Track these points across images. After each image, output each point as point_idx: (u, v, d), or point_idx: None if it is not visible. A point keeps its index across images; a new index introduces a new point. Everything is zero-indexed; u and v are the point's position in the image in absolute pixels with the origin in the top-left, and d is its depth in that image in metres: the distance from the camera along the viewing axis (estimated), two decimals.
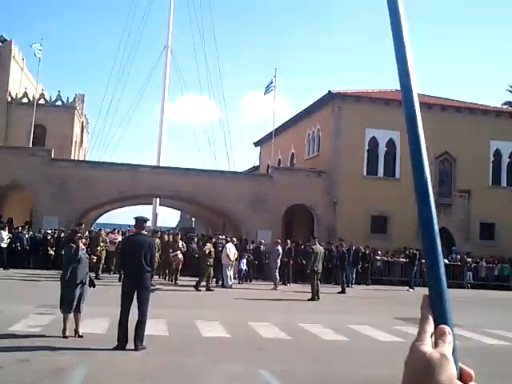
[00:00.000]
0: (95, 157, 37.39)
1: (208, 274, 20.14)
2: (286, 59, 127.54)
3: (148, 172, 30.61)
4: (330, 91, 32.32)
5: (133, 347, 9.09)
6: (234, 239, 23.22)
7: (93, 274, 11.00)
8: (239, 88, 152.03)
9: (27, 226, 26.42)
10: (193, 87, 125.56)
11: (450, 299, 0.90)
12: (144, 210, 41.61)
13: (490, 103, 37.74)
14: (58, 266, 18.01)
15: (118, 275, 19.89)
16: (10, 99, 33.77)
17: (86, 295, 10.18)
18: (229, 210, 30.69)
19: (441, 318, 0.90)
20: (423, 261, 1.06)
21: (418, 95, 1.00)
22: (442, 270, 0.93)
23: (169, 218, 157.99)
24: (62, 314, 9.96)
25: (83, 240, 10.63)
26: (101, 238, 21.76)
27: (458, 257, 29.47)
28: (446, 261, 26.93)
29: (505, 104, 47.72)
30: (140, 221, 9.98)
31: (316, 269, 18.75)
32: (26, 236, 25.06)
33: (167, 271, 22.60)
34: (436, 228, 0.95)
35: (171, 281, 21.80)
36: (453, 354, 0.87)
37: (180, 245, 22.44)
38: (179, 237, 23.84)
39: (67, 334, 9.81)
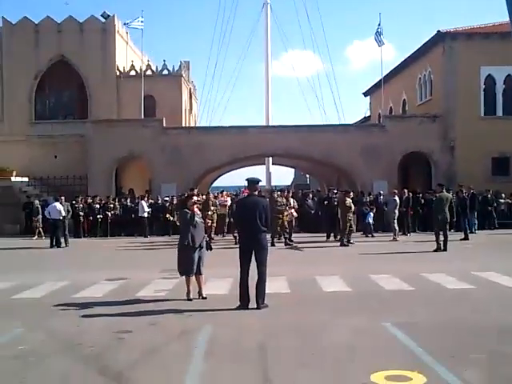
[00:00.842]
0: (205, 122, 38.19)
1: (349, 227, 20.06)
2: (385, 3, 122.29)
3: (258, 132, 30.75)
4: (439, 31, 30.67)
5: (255, 306, 9.18)
6: (351, 193, 22.64)
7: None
8: (342, 38, 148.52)
9: (147, 195, 27.44)
10: (295, 42, 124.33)
11: None
12: (258, 171, 41.97)
13: None
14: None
15: (231, 237, 20.24)
16: (118, 73, 34.85)
17: (205, 258, 10.38)
18: (342, 163, 30.27)
19: None
20: None
21: None
22: None
23: (283, 176, 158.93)
24: (184, 278, 10.23)
25: (197, 204, 10.76)
26: (210, 202, 21.87)
27: None
28: None
29: None
30: (252, 182, 9.96)
31: (440, 217, 17.41)
32: (147, 204, 26.01)
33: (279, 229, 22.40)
34: None
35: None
36: None
37: (292, 203, 22.14)
38: (290, 194, 23.57)
39: (191, 296, 10.08)
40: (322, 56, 68.85)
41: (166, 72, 36.72)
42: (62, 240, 21.58)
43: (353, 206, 20.57)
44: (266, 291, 9.44)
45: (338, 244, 19.86)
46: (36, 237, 24.81)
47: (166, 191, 27.31)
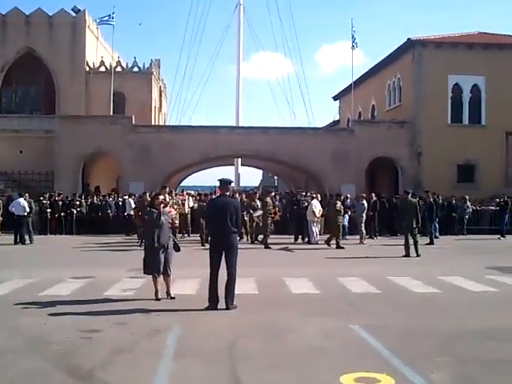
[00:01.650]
0: (175, 121, 38.04)
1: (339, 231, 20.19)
2: (353, 10, 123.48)
3: (228, 133, 30.78)
4: (409, 38, 31.19)
5: (224, 307, 9.18)
6: (319, 196, 22.92)
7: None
8: (312, 42, 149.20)
9: (114, 193, 27.18)
10: (266, 44, 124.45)
11: None
12: (226, 171, 42.00)
13: None
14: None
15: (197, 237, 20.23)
16: (87, 69, 34.48)
17: (173, 258, 10.31)
18: (311, 166, 30.47)
19: None
20: None
21: None
22: None
23: (251, 177, 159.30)
24: (151, 278, 10.17)
25: (164, 204, 10.64)
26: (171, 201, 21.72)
27: None
28: None
29: None
30: (224, 183, 9.94)
31: (406, 223, 17.58)
32: (113, 202, 25.73)
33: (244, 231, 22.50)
34: None
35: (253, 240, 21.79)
36: None
37: (257, 204, 22.25)
38: (257, 196, 23.68)
39: (159, 296, 10.02)
40: (293, 59, 69.32)
41: (136, 69, 36.52)
42: (27, 237, 21.22)
43: (342, 209, 20.77)
44: (235, 292, 9.44)
45: (334, 247, 19.75)
46: None
47: (134, 189, 27.11)
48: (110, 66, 34.61)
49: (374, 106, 38.16)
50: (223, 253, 9.39)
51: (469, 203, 26.37)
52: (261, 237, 20.87)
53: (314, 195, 22.74)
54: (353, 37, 34.00)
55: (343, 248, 19.57)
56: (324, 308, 9.58)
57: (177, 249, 10.45)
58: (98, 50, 36.80)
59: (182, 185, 45.89)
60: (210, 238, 10.12)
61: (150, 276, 10.22)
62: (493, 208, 26.97)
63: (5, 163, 30.33)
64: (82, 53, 34.28)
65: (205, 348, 7.02)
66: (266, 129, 31.00)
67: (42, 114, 34.21)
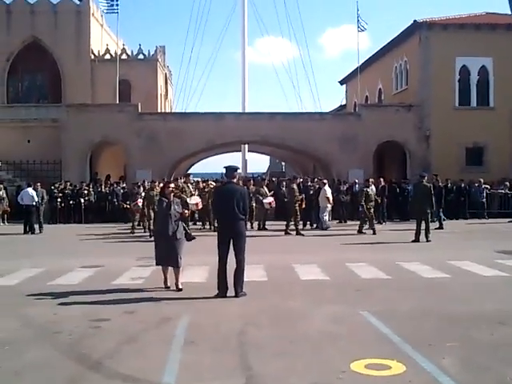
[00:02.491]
0: (181, 108, 37.96)
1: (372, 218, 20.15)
2: None
3: (234, 119, 30.68)
4: (415, 20, 30.82)
5: (233, 294, 9.18)
6: (326, 181, 22.81)
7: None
8: (316, 25, 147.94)
9: (122, 181, 27.19)
10: (271, 28, 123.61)
11: None
12: (233, 158, 41.96)
13: None
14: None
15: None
16: (92, 57, 34.40)
17: (183, 248, 10.09)
18: (318, 151, 30.35)
19: None
20: None
21: None
22: None
23: (259, 163, 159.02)
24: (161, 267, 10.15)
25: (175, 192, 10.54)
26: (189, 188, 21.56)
27: None
28: None
29: None
30: (230, 170, 9.89)
31: (420, 207, 17.38)
32: (122, 191, 25.72)
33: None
34: None
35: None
36: None
37: (266, 191, 22.22)
38: (265, 183, 23.65)
39: (169, 284, 10.01)
40: (298, 43, 69.11)
41: (141, 56, 36.40)
42: (36, 226, 21.32)
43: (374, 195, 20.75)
44: (244, 279, 9.44)
45: (371, 233, 19.68)
46: (1, 223, 24.34)
47: (141, 177, 27.08)
48: (116, 53, 34.51)
49: (380, 89, 37.90)
50: (231, 240, 9.38)
51: (483, 186, 26.29)
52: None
53: (325, 181, 22.65)
54: (358, 20, 33.72)
55: (375, 234, 19.45)
56: (333, 294, 9.56)
57: (188, 238, 10.30)
58: (102, 38, 36.71)
59: (189, 172, 45.88)
60: (217, 226, 10.11)
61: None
62: (502, 191, 26.82)
63: (13, 153, 30.37)
64: (87, 41, 34.18)
65: (215, 336, 7.02)
66: (273, 114, 30.85)
67: (48, 103, 34.18)
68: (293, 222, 19.98)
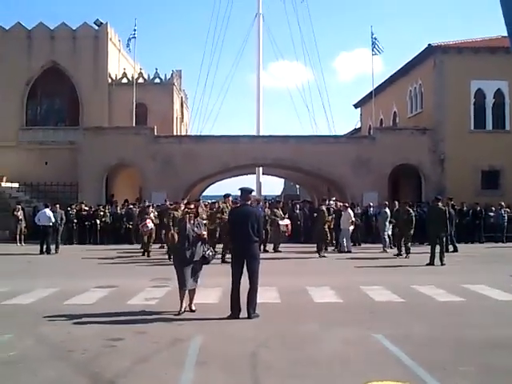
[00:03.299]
0: (196, 131, 38.17)
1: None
2: (370, 17, 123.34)
3: (249, 142, 30.83)
4: (429, 44, 30.95)
5: (246, 316, 9.17)
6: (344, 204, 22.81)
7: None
8: (329, 49, 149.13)
9: (137, 203, 27.36)
10: (285, 53, 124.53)
11: None
12: (248, 180, 42.00)
13: None
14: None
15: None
16: (110, 81, 34.85)
17: (200, 271, 9.93)
18: (332, 174, 30.38)
19: None
20: None
21: None
22: None
23: (273, 186, 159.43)
24: (178, 289, 9.88)
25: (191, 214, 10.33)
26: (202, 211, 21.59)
27: None
28: None
29: None
30: (245, 192, 9.97)
31: (436, 230, 17.31)
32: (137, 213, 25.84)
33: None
34: None
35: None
36: None
37: (281, 213, 22.26)
38: (281, 205, 23.71)
39: (183, 310, 9.67)
40: (312, 66, 69.80)
41: (157, 80, 36.80)
42: (52, 246, 21.51)
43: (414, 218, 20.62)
44: (257, 301, 9.44)
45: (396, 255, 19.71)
46: (18, 243, 24.58)
47: (157, 199, 27.25)
48: (132, 77, 34.94)
49: (395, 112, 37.97)
50: (245, 262, 9.41)
51: (504, 209, 26.18)
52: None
53: (347, 204, 22.68)
54: (373, 43, 33.90)
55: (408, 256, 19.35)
56: (347, 317, 9.52)
57: (204, 261, 9.96)
58: (120, 62, 37.21)
59: (204, 194, 46.05)
60: (231, 247, 10.13)
61: (177, 286, 9.94)
62: None
63: (30, 175, 30.78)
64: (105, 65, 34.64)
65: (227, 357, 7.03)
66: (287, 137, 30.98)
67: (66, 126, 34.63)
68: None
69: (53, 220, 21.75)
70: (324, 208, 20.64)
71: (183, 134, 40.85)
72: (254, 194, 11.13)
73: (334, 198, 26.19)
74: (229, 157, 29.93)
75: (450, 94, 30.13)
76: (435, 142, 30.20)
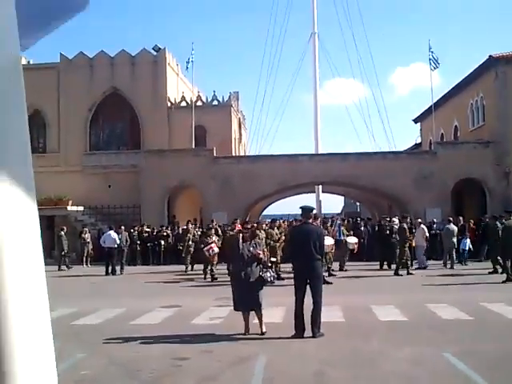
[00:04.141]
0: (254, 151, 38.41)
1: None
2: (426, 31, 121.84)
3: (307, 160, 30.82)
4: (491, 56, 30.28)
5: (311, 335, 9.12)
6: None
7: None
8: (385, 66, 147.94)
9: (196, 224, 27.66)
10: (340, 70, 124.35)
11: None
12: (308, 199, 41.90)
13: None
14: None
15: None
16: (169, 104, 35.58)
17: (261, 292, 9.58)
18: (393, 191, 29.96)
19: None
20: None
21: None
22: None
23: (333, 204, 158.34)
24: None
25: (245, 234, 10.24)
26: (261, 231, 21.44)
27: None
28: None
29: None
30: (306, 210, 9.98)
31: (510, 246, 16.61)
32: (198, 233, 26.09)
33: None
34: None
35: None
36: None
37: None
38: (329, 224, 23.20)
39: (249, 331, 9.50)
40: (369, 83, 69.79)
41: (215, 102, 37.31)
42: (117, 268, 21.99)
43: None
44: (321, 320, 9.37)
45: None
46: (84, 265, 25.27)
47: (217, 219, 27.48)
48: (191, 100, 35.57)
49: (456, 126, 37.21)
50: (308, 281, 9.38)
51: None
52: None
53: (420, 220, 22.31)
54: (431, 58, 33.46)
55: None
56: (413, 335, 9.34)
57: (263, 282, 9.60)
58: (178, 86, 37.96)
59: (264, 213, 46.18)
60: (294, 266, 10.09)
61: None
62: None
63: (95, 198, 31.67)
64: (164, 89, 35.41)
65: (292, 376, 7.01)
66: (346, 155, 30.83)
67: (128, 150, 35.50)
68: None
69: (118, 242, 22.27)
70: (405, 225, 19.98)
71: (242, 154, 41.18)
72: (314, 212, 11.04)
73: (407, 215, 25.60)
74: (287, 176, 29.98)
75: None
76: (499, 155, 29.41)
